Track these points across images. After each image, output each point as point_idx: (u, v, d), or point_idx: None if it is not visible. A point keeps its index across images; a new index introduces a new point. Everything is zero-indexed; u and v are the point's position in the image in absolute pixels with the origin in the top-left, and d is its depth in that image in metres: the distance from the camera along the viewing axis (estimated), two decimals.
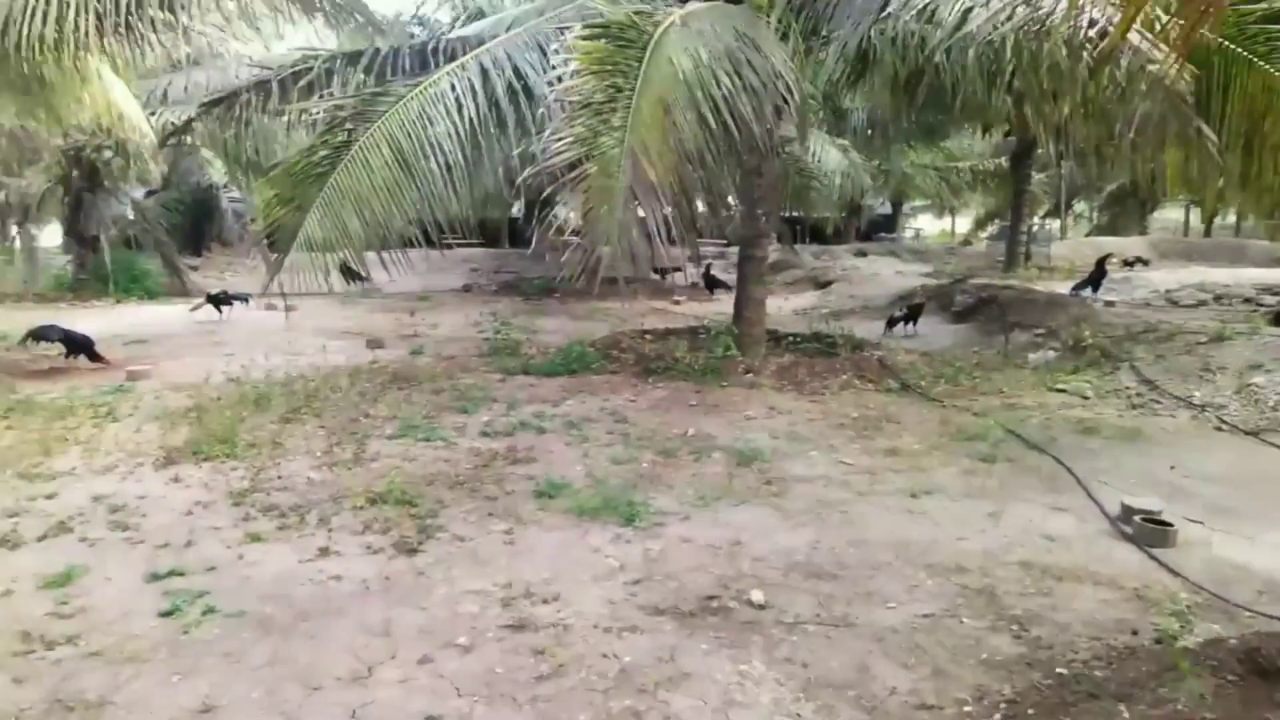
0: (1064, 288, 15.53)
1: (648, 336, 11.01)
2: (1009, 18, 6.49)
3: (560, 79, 6.75)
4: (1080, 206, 40.90)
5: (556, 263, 6.88)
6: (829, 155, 19.10)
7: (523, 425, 7.14)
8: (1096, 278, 14.84)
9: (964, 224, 45.79)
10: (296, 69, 10.19)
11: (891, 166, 26.55)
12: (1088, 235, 34.63)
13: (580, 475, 5.89)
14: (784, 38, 8.64)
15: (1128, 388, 8.66)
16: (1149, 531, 4.84)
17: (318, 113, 9.80)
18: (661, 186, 6.36)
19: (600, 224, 6.10)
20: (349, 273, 13.72)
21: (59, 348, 9.83)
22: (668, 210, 6.63)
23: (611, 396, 8.20)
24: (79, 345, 9.78)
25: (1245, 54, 6.56)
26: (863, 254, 26.92)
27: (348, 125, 8.40)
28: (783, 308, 16.05)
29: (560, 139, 6.29)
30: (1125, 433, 7.23)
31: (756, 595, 4.03)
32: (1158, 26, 5.50)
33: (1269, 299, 14.35)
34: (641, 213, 6.42)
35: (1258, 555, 4.64)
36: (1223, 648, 3.27)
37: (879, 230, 38.17)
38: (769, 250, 11.01)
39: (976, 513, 5.26)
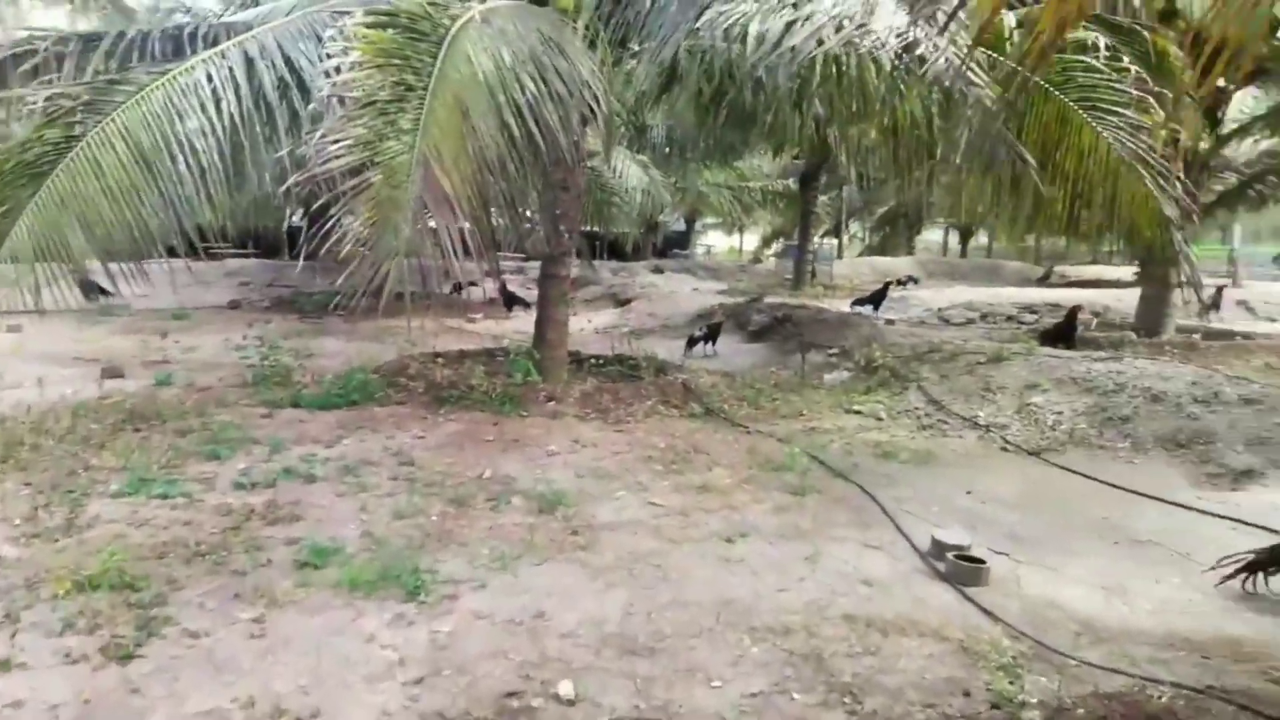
0: (848, 305, 16.24)
1: (440, 360, 10.15)
2: (837, 29, 6.34)
3: (339, 69, 5.85)
4: (855, 228, 43.87)
5: (339, 276, 5.96)
6: (630, 171, 18.97)
7: (287, 473, 6.15)
8: (878, 296, 15.60)
9: (751, 241, 47.91)
10: (18, 50, 8.53)
11: (688, 184, 27.04)
12: (860, 255, 37.13)
13: (355, 536, 5.05)
14: (592, 45, 8.17)
15: (917, 408, 8.88)
16: (962, 570, 4.72)
17: (36, 102, 8.25)
18: (458, 197, 5.65)
19: (385, 238, 5.30)
20: (88, 287, 11.84)
21: None
22: (464, 224, 5.92)
23: (397, 433, 7.34)
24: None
25: (1041, 82, 6.80)
26: (660, 271, 27.18)
27: (75, 118, 7.06)
28: (585, 327, 15.64)
29: (338, 141, 5.41)
30: (920, 456, 7.31)
31: (565, 687, 3.43)
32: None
33: (1028, 316, 15.65)
34: (434, 225, 5.68)
35: (1066, 590, 4.61)
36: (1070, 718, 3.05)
37: (674, 247, 38.98)
38: (571, 268, 10.53)
39: (794, 556, 4.95)
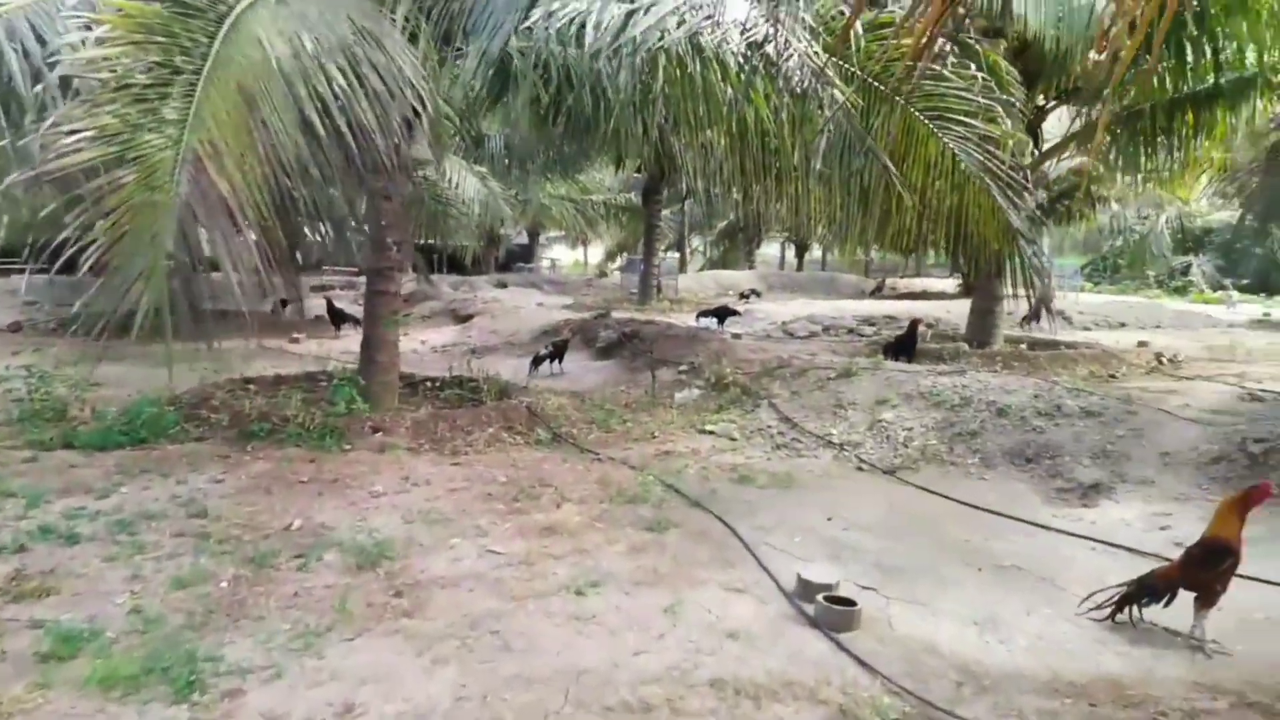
0: (694, 322, 16.07)
1: (252, 387, 9.03)
2: (680, 23, 5.88)
3: (84, 43, 4.83)
4: (696, 242, 44.52)
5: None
6: (468, 182, 18.18)
7: (44, 532, 5.04)
8: (723, 311, 15.51)
9: (596, 255, 47.75)
10: None
11: (530, 197, 26.39)
12: (702, 269, 37.60)
13: (120, 614, 4.09)
14: (413, 39, 7.41)
15: (770, 426, 8.61)
16: (832, 614, 4.32)
17: None
18: (242, 203, 4.77)
19: (139, 250, 4.36)
20: None
21: None
22: (251, 236, 5.03)
23: (190, 476, 6.29)
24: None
25: (890, 92, 6.63)
26: (504, 285, 26.37)
27: None
28: (420, 347, 14.68)
29: (78, 132, 4.42)
30: (779, 479, 6.99)
31: None
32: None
33: (867, 329, 15.96)
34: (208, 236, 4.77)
35: (940, 629, 4.30)
36: None
37: (518, 260, 38.19)
38: (402, 283, 9.67)
39: (652, 608, 4.41)
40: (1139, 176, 12.69)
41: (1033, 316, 16.78)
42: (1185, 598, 4.20)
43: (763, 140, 7.19)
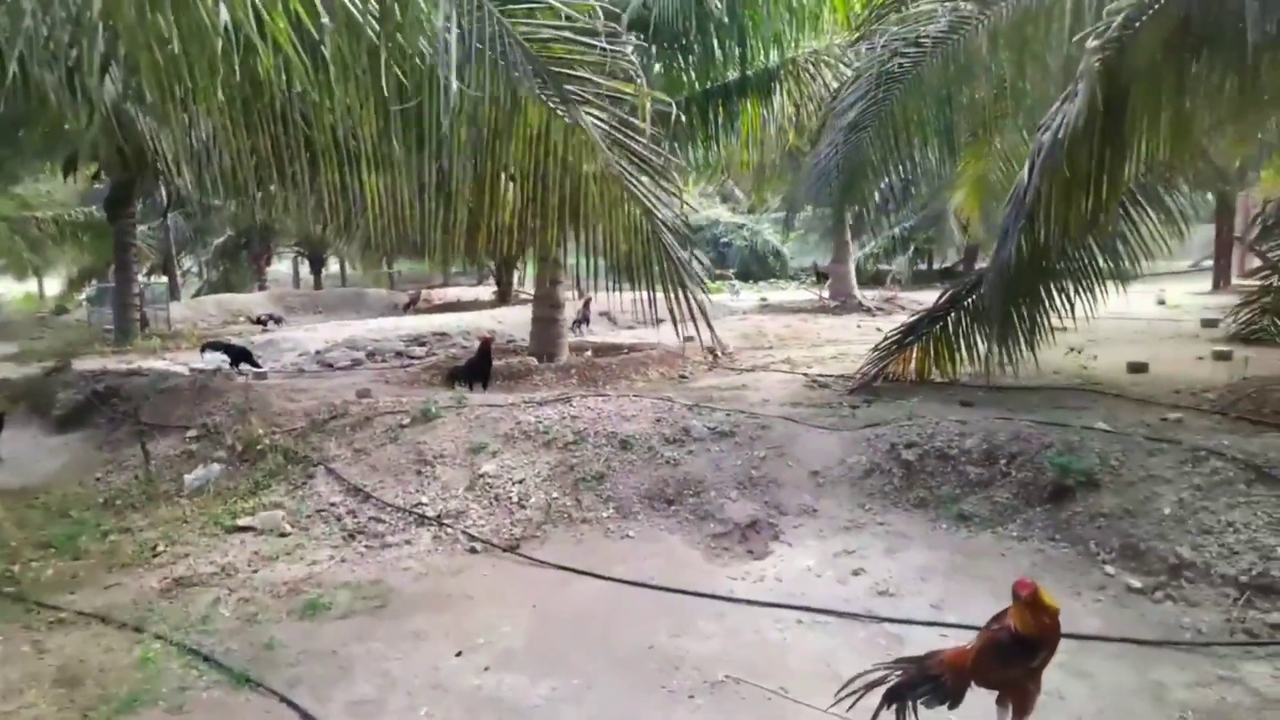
0: (200, 360, 12.66)
1: None
2: None
3: None
4: (189, 263, 37.97)
5: None
6: None
7: None
8: (236, 352, 12.28)
9: (56, 286, 38.29)
10: None
11: None
12: (199, 293, 32.07)
13: None
14: None
15: (334, 504, 6.33)
16: None
17: None
18: None
19: None
20: None
21: None
22: None
23: None
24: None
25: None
26: None
27: None
28: None
29: None
30: (365, 596, 4.84)
31: None
32: None
33: (418, 350, 14.04)
34: None
35: None
36: None
37: None
38: None
39: None
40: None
41: (581, 320, 16.42)
42: (981, 698, 3.13)
43: (286, 107, 4.90)
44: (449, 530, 5.74)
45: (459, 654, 4.11)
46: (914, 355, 9.19)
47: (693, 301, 6.22)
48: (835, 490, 5.60)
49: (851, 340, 13.93)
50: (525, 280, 29.16)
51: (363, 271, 37.05)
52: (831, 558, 4.85)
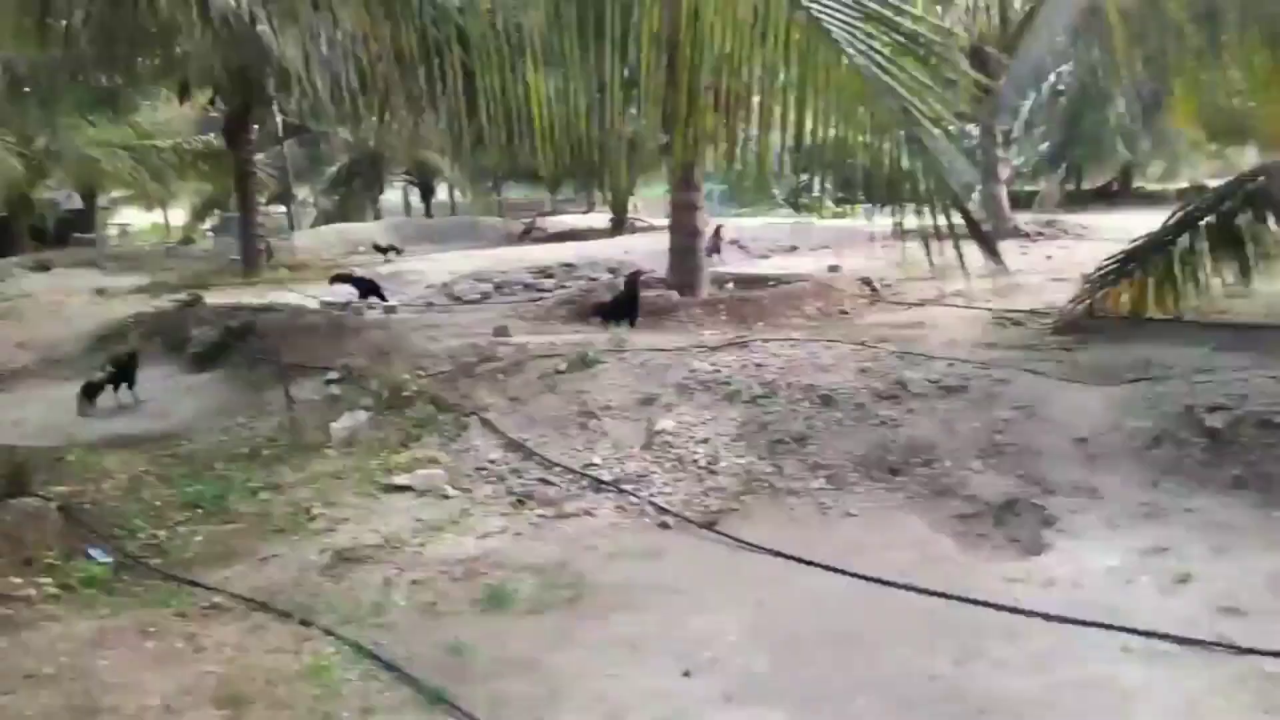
0: (329, 293, 12.25)
1: None
2: None
3: None
4: (304, 193, 38.07)
5: None
6: None
7: None
8: (366, 285, 11.77)
9: (180, 216, 39.25)
10: None
11: (62, 146, 19.69)
12: (316, 224, 32.09)
13: None
14: None
15: (494, 461, 5.65)
16: None
17: None
18: None
19: None
20: None
21: None
22: None
23: None
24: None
25: None
26: (45, 268, 19.50)
27: None
28: None
29: None
30: (552, 583, 4.11)
31: None
32: None
33: (547, 283, 13.32)
34: None
35: None
36: None
37: (73, 230, 29.58)
38: None
39: None
40: None
41: (712, 249, 15.35)
42: None
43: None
44: (633, 500, 4.96)
45: (686, 674, 3.32)
46: (1130, 288, 7.88)
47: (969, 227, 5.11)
48: (1115, 464, 4.53)
49: (1020, 269, 12.45)
50: (638, 207, 28.10)
51: (472, 199, 36.52)
52: (1139, 556, 3.82)
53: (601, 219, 26.61)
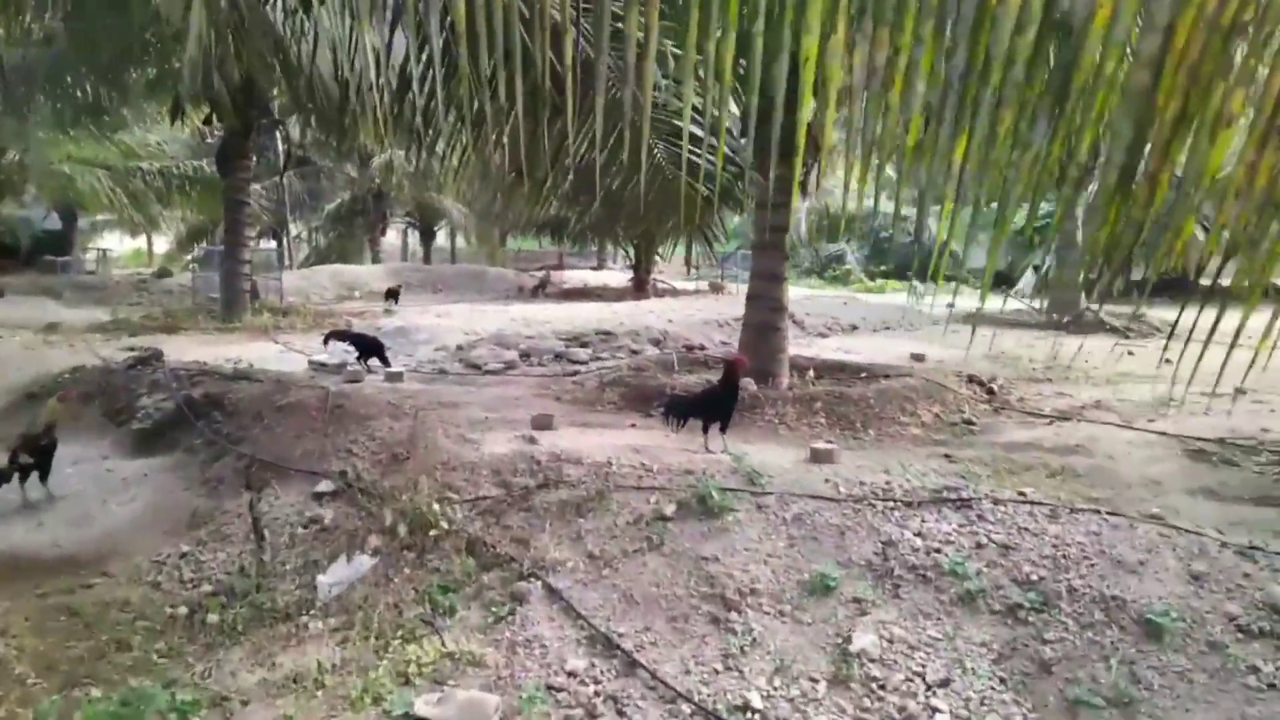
0: (321, 351, 10.10)
1: None
2: None
3: None
4: (296, 227, 35.85)
5: None
6: None
7: None
8: (366, 343, 9.50)
9: (166, 243, 36.92)
10: None
11: (33, 160, 17.65)
12: (307, 262, 29.88)
13: None
14: None
15: (571, 674, 3.53)
16: None
17: None
18: None
19: None
20: None
21: None
22: None
23: None
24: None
25: None
26: None
27: None
28: None
29: None
30: None
31: None
32: None
33: (579, 352, 11.22)
34: None
35: None
36: None
37: (47, 252, 27.28)
38: None
39: None
40: None
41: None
42: None
43: None
44: None
45: None
46: None
47: None
48: None
49: (1148, 375, 10.38)
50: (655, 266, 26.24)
51: (476, 246, 34.53)
52: None
53: (615, 276, 24.71)
